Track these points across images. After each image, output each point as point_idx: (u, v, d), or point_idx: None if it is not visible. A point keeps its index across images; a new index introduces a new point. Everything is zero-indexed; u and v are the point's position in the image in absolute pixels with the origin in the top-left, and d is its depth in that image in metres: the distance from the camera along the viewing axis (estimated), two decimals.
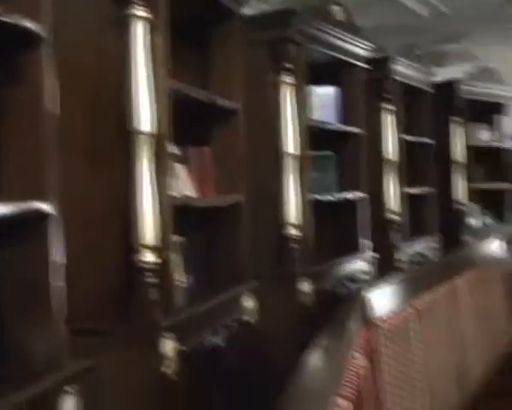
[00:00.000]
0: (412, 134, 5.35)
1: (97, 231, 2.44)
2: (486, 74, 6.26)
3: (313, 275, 3.56)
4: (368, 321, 2.53)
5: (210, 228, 3.26)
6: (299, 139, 3.51)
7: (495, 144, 6.53)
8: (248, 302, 3.15)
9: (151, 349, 2.31)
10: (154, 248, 2.36)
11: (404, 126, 5.18)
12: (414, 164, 5.42)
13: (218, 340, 2.82)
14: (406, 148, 5.12)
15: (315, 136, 3.77)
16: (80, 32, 2.47)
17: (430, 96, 5.68)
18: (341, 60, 4.22)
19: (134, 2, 2.37)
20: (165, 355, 2.33)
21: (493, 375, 3.96)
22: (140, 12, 2.39)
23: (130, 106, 2.36)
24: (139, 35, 2.39)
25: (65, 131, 2.02)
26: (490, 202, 6.40)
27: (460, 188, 5.90)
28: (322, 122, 4.11)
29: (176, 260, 2.68)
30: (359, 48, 4.34)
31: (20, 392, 1.73)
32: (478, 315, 4.11)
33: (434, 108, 5.69)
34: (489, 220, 6.38)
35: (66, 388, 1.87)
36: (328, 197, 4.07)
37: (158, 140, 2.41)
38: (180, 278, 2.81)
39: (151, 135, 2.38)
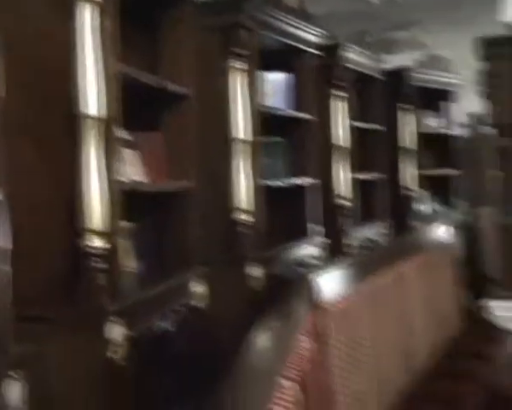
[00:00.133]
0: (363, 121, 5.41)
1: (44, 216, 2.41)
2: (435, 62, 6.36)
3: (263, 260, 3.59)
4: (315, 304, 2.56)
5: (160, 214, 3.25)
6: (250, 125, 3.52)
7: (443, 131, 6.64)
8: (198, 287, 3.16)
9: (97, 335, 2.30)
10: (101, 234, 2.35)
11: (355, 113, 5.23)
12: (365, 150, 5.48)
13: (167, 325, 2.83)
14: (357, 134, 5.17)
15: (266, 122, 3.79)
16: (25, 15, 2.43)
17: (380, 83, 5.75)
18: (293, 46, 4.24)
19: None
20: (111, 341, 2.33)
21: (440, 358, 4.05)
22: None
23: (77, 90, 2.34)
24: (87, 18, 2.36)
25: (10, 115, 1.99)
26: (438, 187, 6.52)
27: (409, 174, 5.99)
28: (274, 108, 4.13)
29: (125, 245, 2.67)
30: (311, 34, 4.36)
31: None
32: (425, 299, 4.19)
33: (385, 95, 5.76)
34: (437, 206, 6.50)
35: (11, 373, 1.86)
36: (279, 183, 4.10)
37: (106, 124, 2.40)
38: (129, 263, 2.80)
39: (99, 119, 2.36)
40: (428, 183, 6.39)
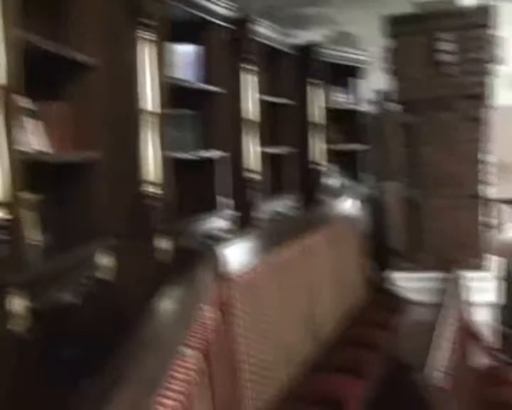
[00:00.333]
0: (273, 95, 5.45)
1: None
2: (344, 38, 6.47)
3: (172, 232, 3.58)
4: (220, 275, 2.60)
5: (66, 185, 3.20)
6: (158, 97, 3.49)
7: (351, 107, 6.78)
8: (105, 260, 3.14)
9: None
10: (2, 204, 2.29)
11: (265, 87, 5.26)
12: (274, 124, 5.53)
13: (72, 297, 2.80)
14: (267, 108, 5.22)
15: (175, 94, 3.77)
16: None
17: (290, 58, 5.80)
18: (203, 18, 4.23)
19: None
20: (13, 313, 2.29)
21: (345, 327, 4.18)
22: None
23: None
24: None
25: None
26: (346, 162, 6.66)
27: (318, 149, 6.09)
28: (183, 80, 4.11)
29: (28, 216, 2.62)
30: (221, 7, 4.35)
31: None
32: (332, 270, 4.30)
33: (294, 70, 5.81)
34: (345, 180, 6.65)
35: None
36: (188, 156, 4.09)
37: (6, 92, 2.33)
38: (34, 235, 2.75)
39: None
40: (337, 157, 6.52)
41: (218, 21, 4.37)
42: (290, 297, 3.48)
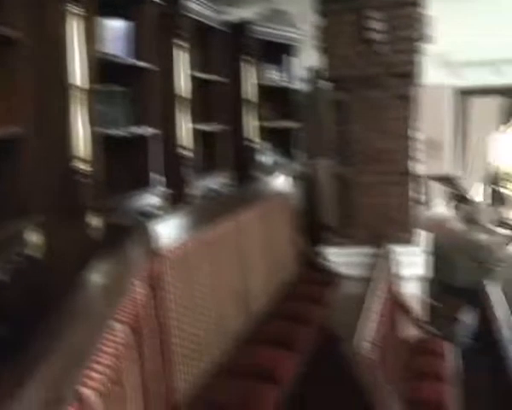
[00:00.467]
0: (205, 72, 5.43)
1: None
2: (277, 16, 6.48)
3: (103, 209, 3.55)
4: (151, 251, 2.60)
5: None
6: (87, 72, 3.44)
7: (284, 85, 6.82)
8: (34, 237, 3.09)
9: None
10: None
11: (197, 64, 5.24)
12: (207, 101, 5.51)
13: (1, 274, 2.76)
14: (199, 85, 5.20)
15: (106, 70, 3.72)
16: None
17: (223, 35, 5.78)
18: None
19: None
20: None
21: (278, 302, 4.23)
22: None
23: None
24: None
25: None
26: (279, 139, 6.70)
27: (251, 126, 6.11)
28: (114, 56, 4.06)
29: None
30: None
31: None
32: (264, 246, 4.34)
33: (227, 47, 5.80)
34: (278, 157, 6.70)
35: None
36: (120, 132, 4.05)
37: None
38: None
39: None
40: (270, 135, 6.56)
41: None
42: (223, 272, 3.51)
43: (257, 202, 4.44)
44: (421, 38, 4.99)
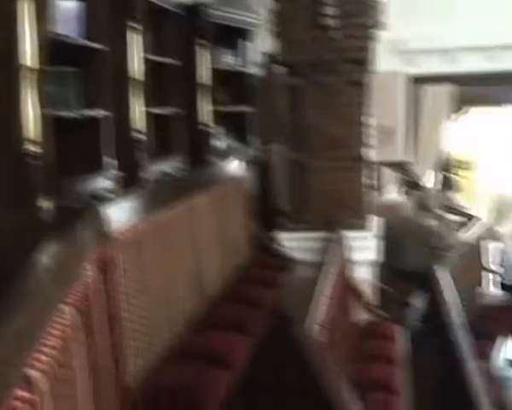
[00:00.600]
0: (159, 55, 5.38)
1: None
2: (234, 0, 6.46)
3: (54, 192, 3.51)
4: (102, 234, 2.58)
5: None
6: (37, 53, 3.37)
7: (240, 69, 6.80)
8: None
9: None
10: None
11: (151, 46, 5.19)
12: (161, 85, 5.47)
13: None
14: (153, 68, 5.15)
15: (57, 50, 3.65)
16: None
17: (178, 17, 5.73)
18: None
19: None
20: None
21: (231, 286, 4.25)
22: None
23: None
24: None
25: None
26: (234, 124, 6.70)
27: (206, 110, 6.09)
28: (65, 36, 3.99)
29: None
30: None
31: None
32: (218, 230, 4.35)
33: (181, 30, 5.76)
34: (232, 142, 6.69)
35: None
36: (71, 114, 4.00)
37: None
38: None
39: None
40: (224, 119, 6.54)
41: None
42: (175, 256, 3.50)
43: (211, 186, 4.43)
44: (375, 24, 5.02)
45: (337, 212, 5.12)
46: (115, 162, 4.37)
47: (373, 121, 5.33)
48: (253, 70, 6.92)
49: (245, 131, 6.79)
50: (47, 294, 1.82)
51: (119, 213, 2.87)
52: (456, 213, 7.18)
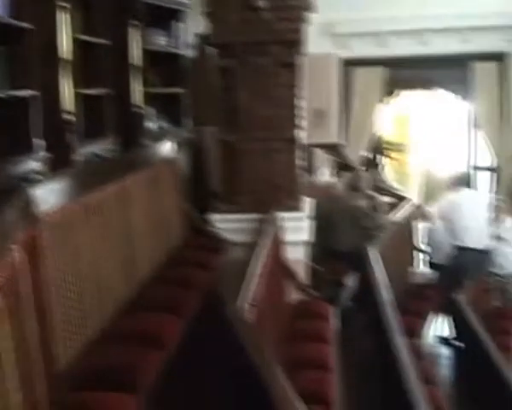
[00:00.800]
0: (89, 35, 5.28)
1: None
2: None
3: None
4: (30, 216, 2.54)
5: None
6: None
7: (172, 50, 6.75)
8: None
9: None
10: None
11: (81, 26, 5.10)
12: (91, 65, 5.37)
13: None
14: (83, 48, 5.06)
15: None
16: None
17: None
18: None
19: None
20: None
21: (163, 267, 4.23)
22: None
23: None
24: None
25: None
26: (166, 106, 6.65)
27: (138, 91, 6.02)
28: None
29: None
30: None
31: None
32: (150, 212, 4.32)
33: (112, 10, 5.66)
34: (165, 124, 6.65)
35: None
36: None
37: None
38: None
39: None
40: (157, 101, 6.49)
41: None
42: (106, 238, 3.47)
43: (143, 168, 4.40)
44: (307, 6, 5.05)
45: (270, 193, 5.15)
46: (44, 144, 4.29)
47: (305, 103, 5.37)
48: (185, 51, 6.88)
49: (178, 113, 6.75)
50: None
51: (48, 195, 2.82)
52: (387, 194, 7.32)
